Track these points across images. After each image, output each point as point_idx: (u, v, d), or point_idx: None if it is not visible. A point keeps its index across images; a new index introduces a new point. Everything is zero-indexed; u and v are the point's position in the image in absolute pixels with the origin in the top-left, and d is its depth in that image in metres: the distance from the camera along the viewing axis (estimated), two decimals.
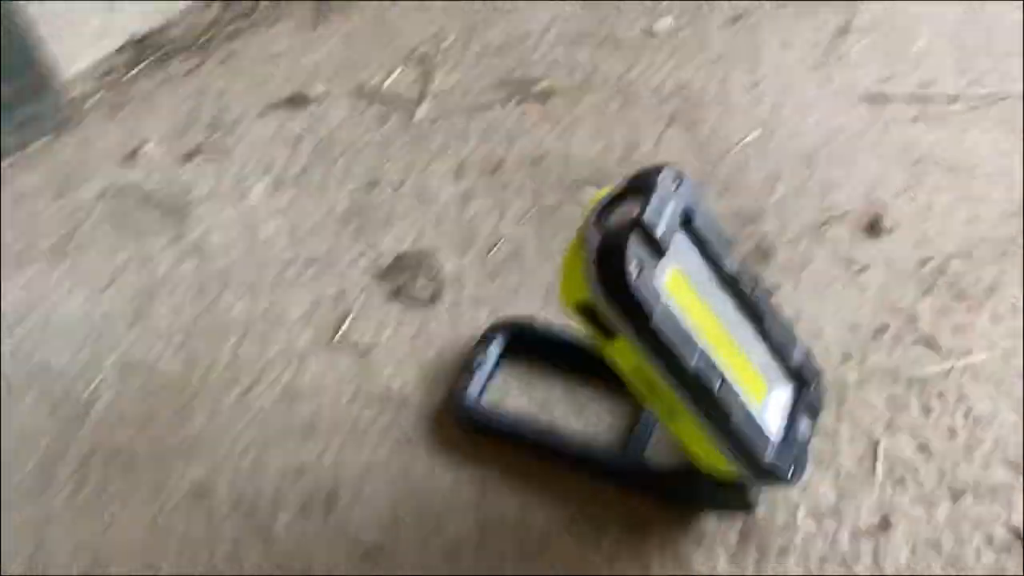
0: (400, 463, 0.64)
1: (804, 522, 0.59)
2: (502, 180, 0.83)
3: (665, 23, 0.96)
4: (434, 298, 0.75)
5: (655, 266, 0.49)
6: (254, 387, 0.70)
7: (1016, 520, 0.58)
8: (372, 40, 0.99)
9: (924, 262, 0.72)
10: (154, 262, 0.80)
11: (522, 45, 0.95)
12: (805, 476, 0.57)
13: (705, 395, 0.50)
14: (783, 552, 0.58)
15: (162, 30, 0.99)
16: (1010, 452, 0.61)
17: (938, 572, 0.56)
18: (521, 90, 0.91)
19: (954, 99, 0.84)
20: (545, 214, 0.80)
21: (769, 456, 0.53)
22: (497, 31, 0.97)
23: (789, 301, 0.71)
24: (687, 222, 0.52)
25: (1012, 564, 0.56)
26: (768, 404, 0.56)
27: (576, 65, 0.93)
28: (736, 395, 0.51)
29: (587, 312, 0.50)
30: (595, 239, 0.49)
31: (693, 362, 0.49)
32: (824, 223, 0.76)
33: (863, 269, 0.72)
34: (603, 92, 0.90)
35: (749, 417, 0.52)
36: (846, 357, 0.67)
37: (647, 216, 0.48)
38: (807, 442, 0.57)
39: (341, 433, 0.67)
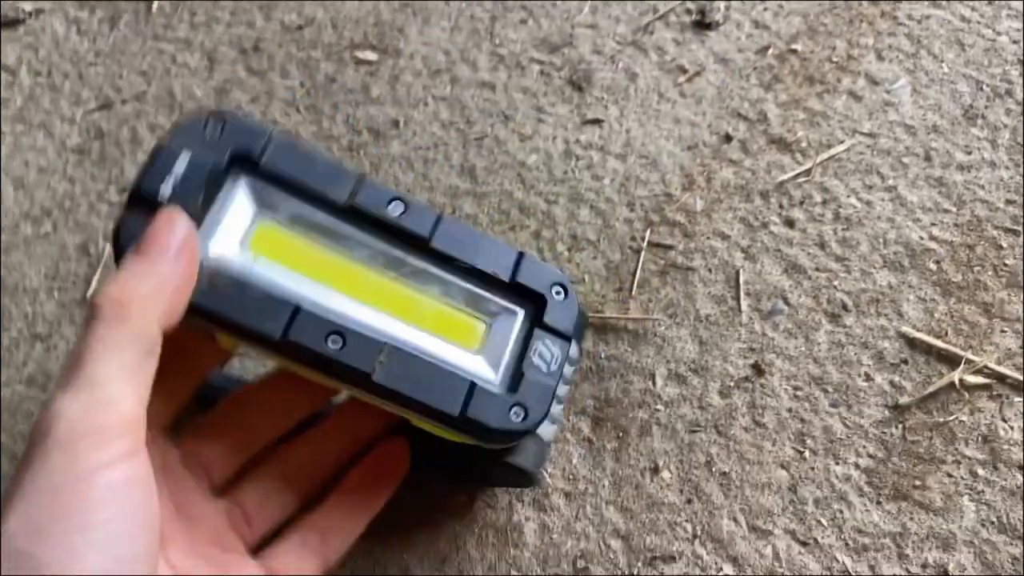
0: None
1: (664, 389, 0.49)
2: (262, 61, 0.68)
3: None
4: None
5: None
6: None
7: (906, 327, 0.49)
8: None
9: (763, 50, 0.61)
10: None
11: None
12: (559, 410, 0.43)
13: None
14: (644, 430, 0.48)
15: None
16: (890, 249, 0.52)
17: (827, 410, 0.47)
18: None
19: None
20: (319, 92, 0.65)
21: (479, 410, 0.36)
22: None
23: (616, 133, 0.59)
24: (251, 167, 0.38)
25: (907, 380, 0.47)
26: (488, 345, 0.39)
27: None
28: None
29: None
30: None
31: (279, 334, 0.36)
32: (644, 28, 0.63)
33: (696, 74, 0.61)
34: None
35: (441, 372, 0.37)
36: (690, 183, 0.56)
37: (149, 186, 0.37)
38: (554, 372, 0.38)
39: None
